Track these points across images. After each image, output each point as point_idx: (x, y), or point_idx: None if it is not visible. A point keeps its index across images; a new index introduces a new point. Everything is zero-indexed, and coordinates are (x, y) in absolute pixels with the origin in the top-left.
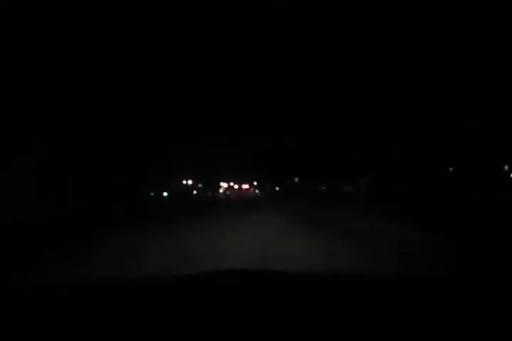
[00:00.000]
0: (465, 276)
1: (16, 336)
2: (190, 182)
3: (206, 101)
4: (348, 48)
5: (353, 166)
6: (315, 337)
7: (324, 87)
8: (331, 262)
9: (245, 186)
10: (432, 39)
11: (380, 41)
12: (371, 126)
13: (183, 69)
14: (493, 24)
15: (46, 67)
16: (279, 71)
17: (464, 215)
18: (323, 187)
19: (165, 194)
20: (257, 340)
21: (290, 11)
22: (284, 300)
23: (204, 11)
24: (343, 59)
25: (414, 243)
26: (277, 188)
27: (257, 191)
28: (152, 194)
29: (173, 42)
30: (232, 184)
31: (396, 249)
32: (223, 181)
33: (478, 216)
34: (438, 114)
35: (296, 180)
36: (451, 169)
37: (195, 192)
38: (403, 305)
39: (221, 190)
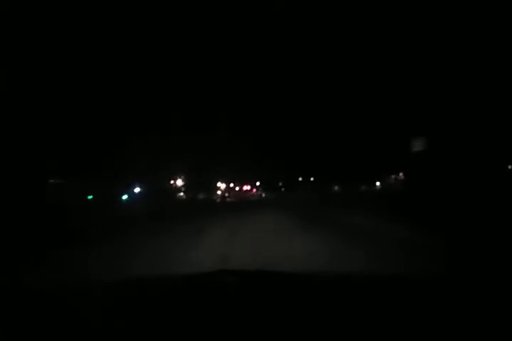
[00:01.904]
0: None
1: (21, 332)
2: (179, 182)
3: (207, 99)
4: (353, 43)
5: (373, 163)
6: (314, 337)
7: (335, 85)
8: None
9: (246, 187)
10: (442, 30)
11: (382, 37)
12: (387, 122)
13: (183, 68)
14: (493, 25)
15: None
16: (286, 66)
17: None
18: (336, 187)
19: (124, 197)
20: (257, 340)
21: (289, 11)
22: (283, 300)
23: (204, 13)
24: (351, 54)
25: None
26: (283, 189)
27: (262, 193)
28: (90, 197)
29: (171, 41)
30: (232, 185)
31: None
32: (222, 181)
33: None
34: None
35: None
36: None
37: (181, 194)
38: (402, 305)
39: (219, 192)
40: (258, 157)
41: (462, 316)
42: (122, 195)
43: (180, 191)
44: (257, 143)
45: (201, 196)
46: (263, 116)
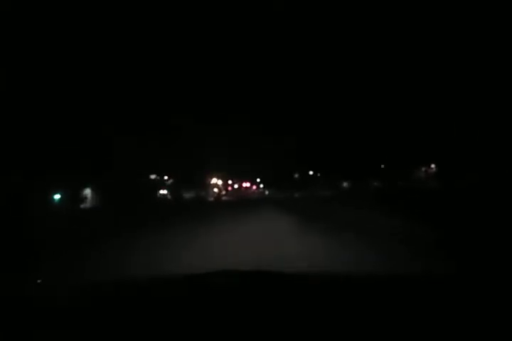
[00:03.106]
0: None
1: (17, 335)
2: (163, 178)
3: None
4: (357, 40)
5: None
6: (315, 338)
7: (341, 76)
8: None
9: (246, 184)
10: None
11: (381, 32)
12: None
13: (184, 63)
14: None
15: None
16: (293, 60)
17: None
18: (345, 184)
19: (56, 197)
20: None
21: (289, 11)
22: (283, 300)
23: (204, 12)
24: (355, 50)
25: None
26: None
27: (265, 191)
28: None
29: (172, 41)
30: (230, 182)
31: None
32: (218, 178)
33: None
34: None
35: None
36: None
37: (163, 191)
38: (401, 305)
39: (215, 190)
40: (258, 155)
41: (466, 316)
42: (54, 193)
43: (159, 188)
44: (257, 140)
45: (189, 194)
46: (264, 110)
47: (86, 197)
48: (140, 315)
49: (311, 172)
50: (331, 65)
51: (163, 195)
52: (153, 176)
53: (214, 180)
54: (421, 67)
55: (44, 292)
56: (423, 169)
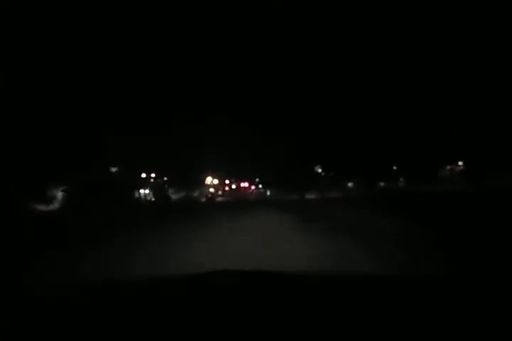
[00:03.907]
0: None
1: (17, 335)
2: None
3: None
4: (355, 41)
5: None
6: (313, 338)
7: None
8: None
9: (244, 184)
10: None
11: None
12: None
13: (183, 65)
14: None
15: None
16: (294, 59)
17: None
18: (349, 184)
19: None
20: None
21: (289, 11)
22: (283, 300)
23: (204, 13)
24: (364, 46)
25: None
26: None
27: (266, 191)
28: None
29: (172, 41)
30: (227, 182)
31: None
32: (214, 177)
33: None
34: None
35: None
36: None
37: (144, 191)
38: (401, 305)
39: (211, 190)
40: (258, 155)
41: (466, 317)
42: None
43: (137, 187)
44: (257, 140)
45: (177, 195)
46: (264, 109)
47: (55, 198)
48: (140, 315)
49: (319, 170)
50: (338, 63)
51: (145, 194)
52: (114, 169)
53: (209, 179)
54: (435, 61)
55: (43, 292)
56: (448, 167)
